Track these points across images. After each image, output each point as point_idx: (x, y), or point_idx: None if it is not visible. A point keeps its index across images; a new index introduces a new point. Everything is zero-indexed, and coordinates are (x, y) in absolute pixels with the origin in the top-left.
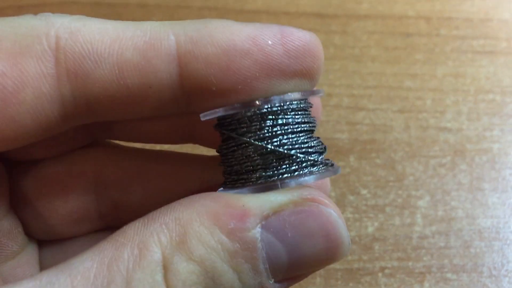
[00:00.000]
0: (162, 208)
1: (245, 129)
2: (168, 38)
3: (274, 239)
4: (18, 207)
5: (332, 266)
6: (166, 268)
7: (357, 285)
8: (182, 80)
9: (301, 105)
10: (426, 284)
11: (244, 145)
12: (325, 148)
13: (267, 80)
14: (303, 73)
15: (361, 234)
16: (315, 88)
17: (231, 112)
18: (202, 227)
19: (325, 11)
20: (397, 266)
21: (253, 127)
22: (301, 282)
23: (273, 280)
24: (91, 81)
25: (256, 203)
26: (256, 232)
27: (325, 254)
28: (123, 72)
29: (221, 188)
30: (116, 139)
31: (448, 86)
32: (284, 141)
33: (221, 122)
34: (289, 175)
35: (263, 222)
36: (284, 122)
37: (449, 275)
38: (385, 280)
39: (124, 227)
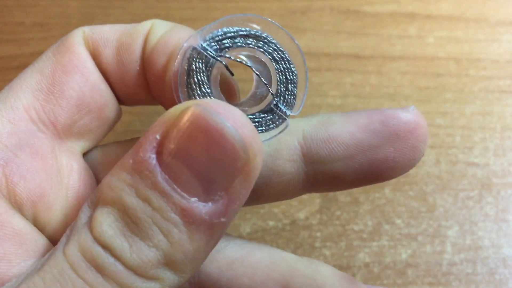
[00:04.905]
0: None
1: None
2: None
3: (169, 158)
4: None
5: None
6: (89, 222)
7: None
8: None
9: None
10: None
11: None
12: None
13: None
14: None
15: (396, 260)
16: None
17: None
18: (112, 177)
19: (362, 53)
20: None
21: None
22: None
23: (195, 198)
24: (104, 60)
25: (145, 134)
26: (150, 158)
27: (212, 148)
28: (118, 51)
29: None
30: None
31: (476, 124)
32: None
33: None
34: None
35: (156, 148)
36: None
37: None
38: None
39: None
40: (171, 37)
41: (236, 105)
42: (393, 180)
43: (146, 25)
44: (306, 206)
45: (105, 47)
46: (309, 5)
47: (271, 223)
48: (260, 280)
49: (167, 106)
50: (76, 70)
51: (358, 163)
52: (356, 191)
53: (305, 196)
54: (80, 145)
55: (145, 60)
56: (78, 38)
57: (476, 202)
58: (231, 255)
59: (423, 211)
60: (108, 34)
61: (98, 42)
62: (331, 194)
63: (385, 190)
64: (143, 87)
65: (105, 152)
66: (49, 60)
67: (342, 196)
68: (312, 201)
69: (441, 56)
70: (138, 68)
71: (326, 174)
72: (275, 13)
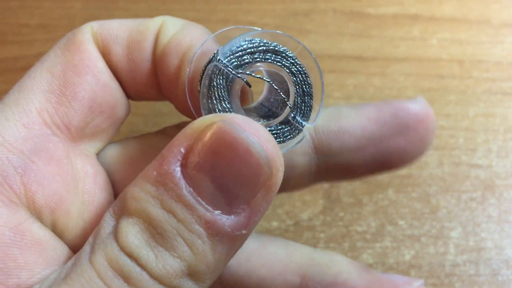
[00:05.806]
0: None
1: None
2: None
3: (193, 171)
4: None
5: None
6: (115, 232)
7: None
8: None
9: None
10: None
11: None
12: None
13: None
14: None
15: (399, 261)
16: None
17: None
18: (135, 188)
19: (365, 54)
20: None
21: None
22: None
23: (219, 211)
24: (114, 57)
25: (169, 146)
26: (175, 171)
27: (237, 163)
28: (129, 49)
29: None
30: None
31: (479, 126)
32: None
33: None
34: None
35: (180, 161)
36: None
37: None
38: None
39: None
40: (183, 37)
41: (248, 109)
42: (396, 181)
43: (156, 22)
44: (309, 207)
45: (115, 44)
46: (312, 7)
47: (274, 223)
48: (278, 271)
49: (179, 107)
50: (87, 71)
51: (369, 154)
52: (359, 192)
53: (308, 197)
54: (93, 146)
55: (157, 60)
56: (88, 35)
57: (479, 204)
58: (248, 247)
59: (426, 212)
60: (117, 30)
61: (107, 40)
62: (334, 195)
63: (389, 191)
64: (154, 85)
65: (118, 150)
66: (58, 59)
67: (346, 197)
68: (316, 202)
69: (444, 58)
70: (149, 67)
71: (338, 165)
72: (278, 14)
